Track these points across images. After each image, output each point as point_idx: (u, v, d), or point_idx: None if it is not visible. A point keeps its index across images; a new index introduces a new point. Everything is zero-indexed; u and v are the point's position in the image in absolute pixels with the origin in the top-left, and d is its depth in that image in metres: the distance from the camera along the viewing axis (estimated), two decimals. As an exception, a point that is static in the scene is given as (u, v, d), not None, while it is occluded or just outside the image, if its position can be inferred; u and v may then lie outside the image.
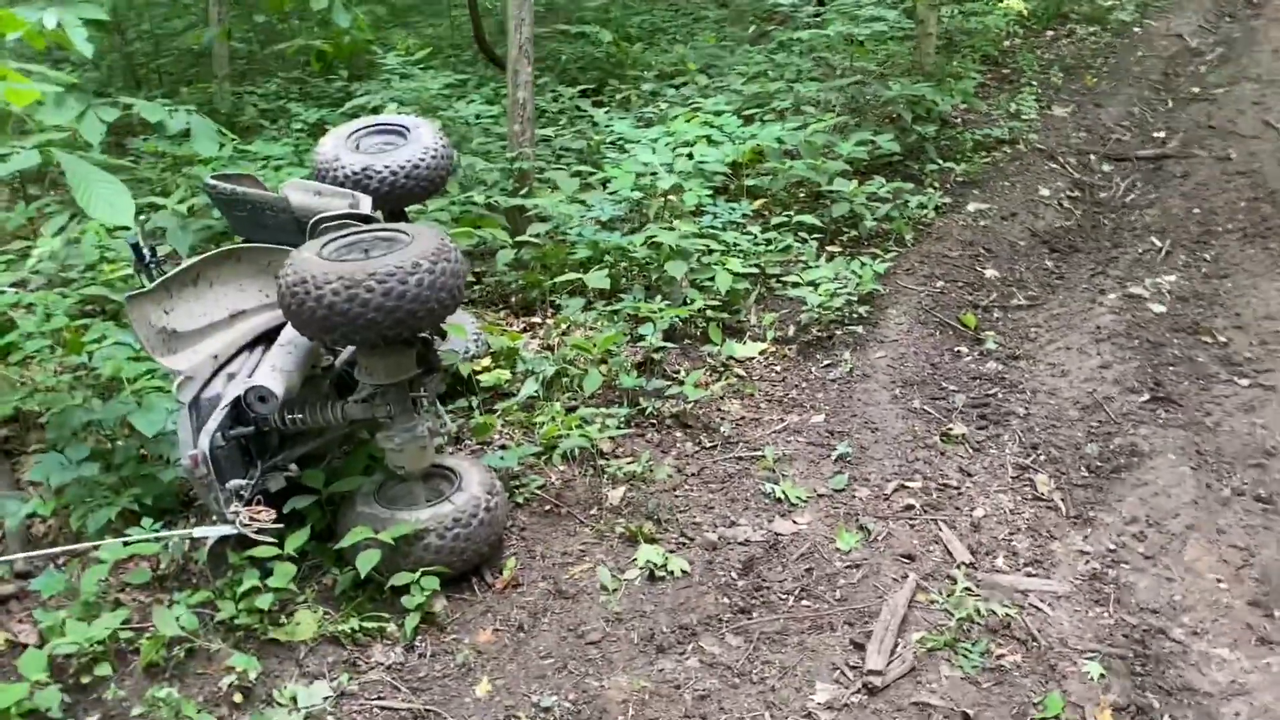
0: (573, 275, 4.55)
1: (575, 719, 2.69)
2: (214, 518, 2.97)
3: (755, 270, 4.91)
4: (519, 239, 4.84)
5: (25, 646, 2.97)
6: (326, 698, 2.74)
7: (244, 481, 2.97)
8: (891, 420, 4.10)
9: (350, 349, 3.36)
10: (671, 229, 4.74)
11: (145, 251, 3.46)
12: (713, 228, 5.12)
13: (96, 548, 2.97)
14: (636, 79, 8.16)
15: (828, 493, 3.67)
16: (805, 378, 4.47)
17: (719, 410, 4.20)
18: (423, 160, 3.90)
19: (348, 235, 3.01)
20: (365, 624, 2.96)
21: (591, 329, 4.57)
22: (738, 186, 5.85)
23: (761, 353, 4.62)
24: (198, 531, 2.95)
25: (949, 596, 3.13)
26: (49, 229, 4.52)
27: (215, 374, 3.06)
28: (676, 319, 4.47)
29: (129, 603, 3.08)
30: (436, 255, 2.86)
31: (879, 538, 3.42)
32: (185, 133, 4.35)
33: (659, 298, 4.65)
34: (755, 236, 5.10)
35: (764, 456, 3.80)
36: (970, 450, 3.94)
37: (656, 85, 7.86)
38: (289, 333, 3.11)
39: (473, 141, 5.87)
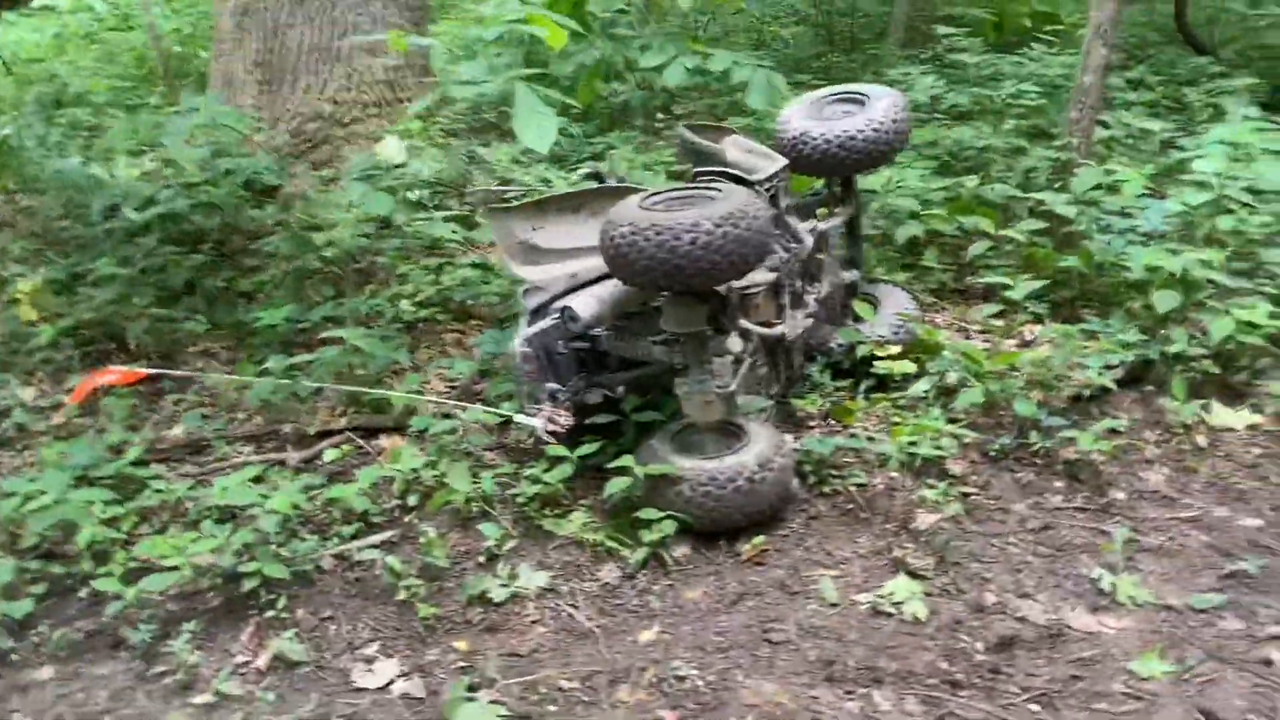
0: (993, 278, 4.06)
1: (693, 698, 2.66)
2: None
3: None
4: (1001, 233, 4.43)
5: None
6: (540, 586, 3.08)
7: (559, 387, 3.39)
8: (1359, 558, 3.03)
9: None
10: (1175, 254, 3.93)
11: (610, 180, 4.02)
12: (1274, 264, 4.12)
13: (464, 409, 3.65)
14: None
15: (1180, 607, 2.89)
16: (1287, 472, 3.46)
17: (1135, 474, 3.49)
18: (860, 133, 3.82)
19: (683, 189, 3.19)
20: (608, 540, 3.21)
21: (1051, 343, 4.05)
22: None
23: (1250, 427, 3.67)
24: (518, 418, 3.46)
25: (1224, 787, 2.34)
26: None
27: (569, 291, 3.49)
28: (1130, 358, 3.76)
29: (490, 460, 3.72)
30: (723, 220, 2.90)
31: (1196, 679, 2.64)
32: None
33: (1136, 329, 3.94)
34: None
35: (1110, 538, 3.11)
36: None
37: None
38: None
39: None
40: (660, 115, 6.51)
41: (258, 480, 3.50)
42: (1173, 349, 3.80)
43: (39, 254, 5.31)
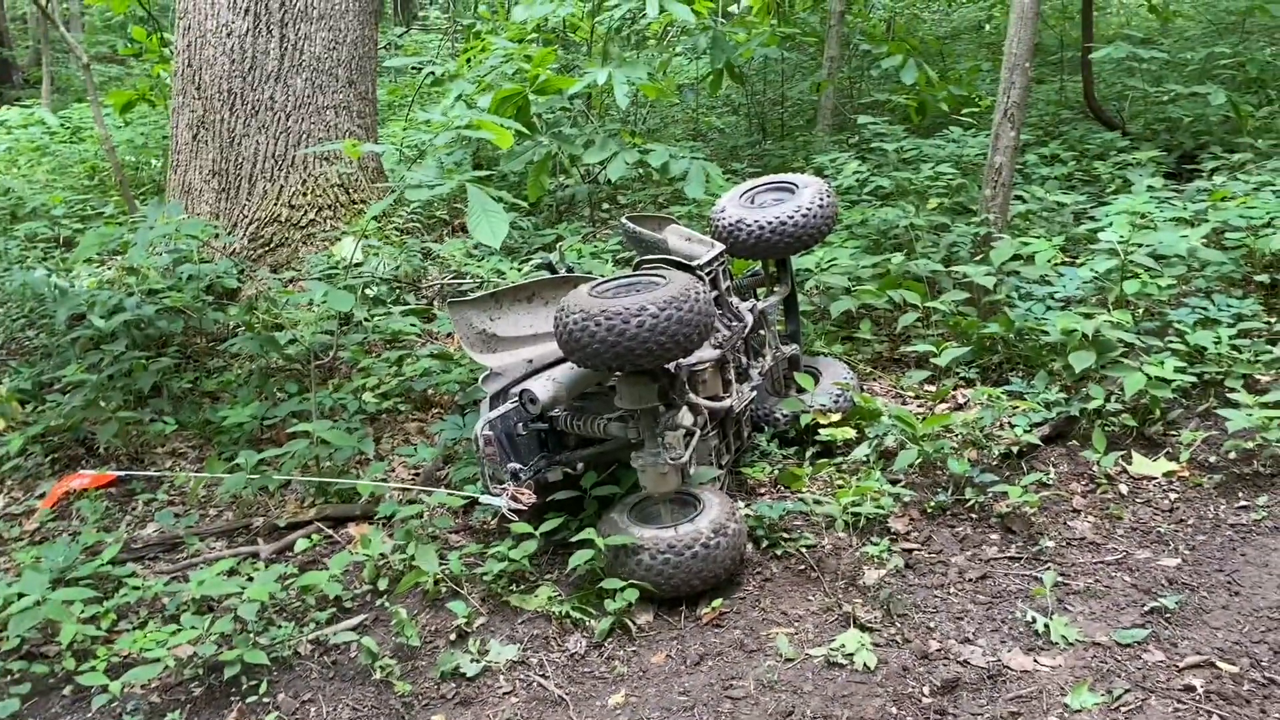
0: (922, 347, 4.35)
1: (662, 755, 2.81)
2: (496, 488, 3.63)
3: (1193, 379, 4.15)
4: (928, 304, 4.74)
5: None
6: (510, 659, 3.23)
7: (519, 466, 3.57)
8: (1269, 590, 3.28)
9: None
10: (1088, 317, 4.25)
11: (560, 270, 4.26)
12: (1180, 323, 4.46)
13: (429, 493, 3.82)
14: (1250, 147, 7.07)
15: (1108, 643, 3.11)
16: (1201, 515, 3.73)
17: (1063, 523, 3.74)
18: (790, 219, 4.12)
19: (630, 277, 3.44)
20: (573, 612, 3.37)
21: (981, 405, 4.33)
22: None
23: (1166, 474, 3.95)
24: (483, 498, 3.63)
25: (1150, 803, 2.54)
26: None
27: (528, 376, 3.70)
28: (1054, 416, 4.04)
29: (456, 541, 3.89)
30: (668, 303, 3.15)
31: (1124, 708, 2.85)
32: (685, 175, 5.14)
33: (1057, 389, 4.24)
34: (1220, 340, 4.29)
35: (1041, 583, 3.34)
36: (1354, 654, 3.00)
37: (1266, 155, 6.76)
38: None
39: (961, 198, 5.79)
40: (605, 206, 6.83)
41: (232, 573, 3.62)
42: (1092, 405, 4.09)
43: (2, 364, 5.42)
